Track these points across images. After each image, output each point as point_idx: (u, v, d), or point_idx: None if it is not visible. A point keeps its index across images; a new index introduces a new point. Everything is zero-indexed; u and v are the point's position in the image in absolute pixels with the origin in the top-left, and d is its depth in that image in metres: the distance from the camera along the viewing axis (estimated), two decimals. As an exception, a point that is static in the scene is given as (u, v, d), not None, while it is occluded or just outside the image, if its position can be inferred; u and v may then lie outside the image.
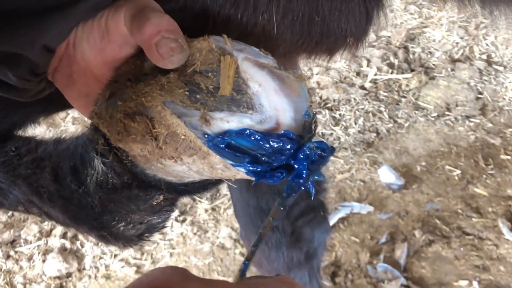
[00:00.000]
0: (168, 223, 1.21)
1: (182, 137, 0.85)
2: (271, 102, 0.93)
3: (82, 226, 1.21)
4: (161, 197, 1.03)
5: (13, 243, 3.09)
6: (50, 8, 0.87)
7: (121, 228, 1.14)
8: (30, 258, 3.02)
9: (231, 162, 0.86)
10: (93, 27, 0.94)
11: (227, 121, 0.88)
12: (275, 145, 0.89)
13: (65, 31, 0.93)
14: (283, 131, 0.91)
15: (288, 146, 0.90)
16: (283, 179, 0.91)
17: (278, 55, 1.11)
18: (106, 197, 1.05)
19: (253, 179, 0.88)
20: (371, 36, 4.26)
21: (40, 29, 0.88)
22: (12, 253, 3.04)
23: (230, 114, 0.89)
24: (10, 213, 3.16)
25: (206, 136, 0.86)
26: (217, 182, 1.03)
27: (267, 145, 0.89)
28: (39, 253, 3.02)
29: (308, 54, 1.21)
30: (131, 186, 0.99)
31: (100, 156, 0.96)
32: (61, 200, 1.18)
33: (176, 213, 3.16)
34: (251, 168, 0.87)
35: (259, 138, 0.89)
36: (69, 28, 0.93)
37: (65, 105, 1.07)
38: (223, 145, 0.86)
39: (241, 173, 0.88)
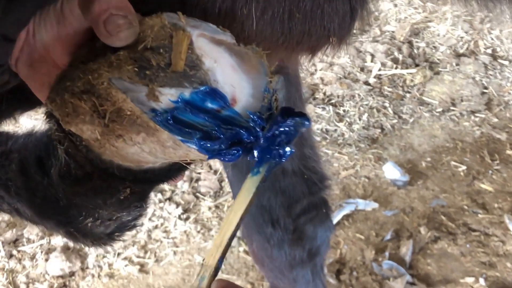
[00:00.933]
0: (140, 222, 1.18)
1: (128, 112, 0.82)
2: (227, 78, 0.91)
3: (48, 221, 1.17)
4: (128, 190, 1.01)
5: (15, 242, 3.09)
6: None
7: (89, 225, 1.11)
8: (33, 257, 3.01)
9: (180, 138, 0.84)
10: (49, 12, 0.92)
11: (177, 97, 0.86)
12: (227, 119, 0.88)
13: (22, 19, 0.92)
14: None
15: (243, 124, 0.88)
16: (239, 157, 0.88)
17: None
18: (69, 189, 1.03)
19: (206, 156, 0.86)
20: (375, 31, 4.24)
21: None
22: (14, 252, 3.03)
23: (182, 89, 0.86)
24: (13, 212, 3.15)
25: (153, 111, 0.83)
26: (179, 169, 1.01)
27: (218, 120, 0.87)
28: (42, 252, 3.01)
29: (289, 53, 1.18)
30: (92, 177, 0.97)
31: (58, 144, 0.94)
32: (27, 193, 1.15)
33: (179, 211, 3.15)
34: (202, 144, 0.85)
35: (210, 108, 0.87)
36: (26, 16, 0.92)
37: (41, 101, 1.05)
38: (171, 121, 0.84)
39: (193, 150, 0.85)
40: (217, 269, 0.89)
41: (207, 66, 0.90)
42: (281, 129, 0.92)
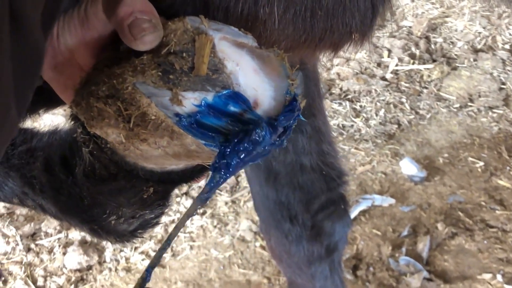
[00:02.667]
0: (162, 219, 1.19)
1: (153, 117, 0.83)
2: (249, 81, 0.91)
3: (73, 218, 1.19)
4: (151, 189, 1.02)
5: (33, 236, 3.10)
6: None
7: (112, 222, 1.12)
8: (50, 251, 3.02)
9: (204, 142, 0.85)
10: (73, 16, 0.93)
11: (200, 101, 0.86)
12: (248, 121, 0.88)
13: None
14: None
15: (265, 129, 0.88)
16: (255, 159, 0.89)
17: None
18: (94, 188, 1.04)
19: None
20: (392, 26, 4.22)
21: None
22: (32, 246, 3.05)
23: (205, 93, 0.87)
24: (31, 206, 3.16)
25: (177, 115, 0.84)
26: (201, 170, 1.01)
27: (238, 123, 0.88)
28: (59, 246, 3.03)
29: (311, 51, 1.18)
30: (117, 177, 0.98)
31: (83, 145, 0.95)
32: (52, 191, 1.16)
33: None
34: (225, 146, 0.86)
35: (232, 111, 0.88)
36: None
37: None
38: (195, 125, 0.85)
39: (215, 153, 0.86)
40: (143, 279, 0.89)
41: (229, 69, 0.90)
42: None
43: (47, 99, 1.10)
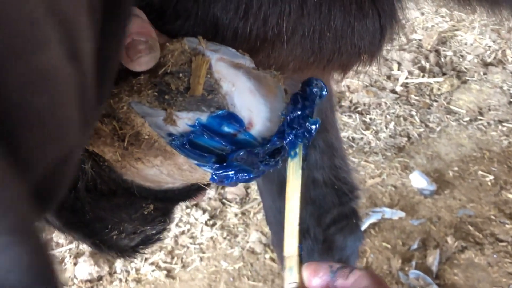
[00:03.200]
0: (164, 235, 1.20)
1: (146, 136, 0.85)
2: (244, 102, 0.92)
3: (75, 232, 1.20)
4: (151, 206, 1.03)
5: (44, 246, 3.11)
6: None
7: (114, 237, 1.13)
8: (61, 261, 3.03)
9: (196, 162, 0.87)
10: None
11: (194, 121, 0.88)
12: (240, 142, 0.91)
13: None
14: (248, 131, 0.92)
15: (259, 150, 0.92)
16: (248, 179, 0.91)
17: (288, 72, 1.09)
18: (95, 203, 1.05)
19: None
20: (402, 39, 4.23)
21: None
22: (43, 256, 3.06)
23: (199, 114, 0.88)
24: (41, 216, 3.18)
25: (170, 135, 0.86)
26: (198, 189, 1.02)
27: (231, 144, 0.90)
28: (70, 256, 3.04)
29: (320, 71, 1.19)
30: (117, 193, 0.99)
31: (83, 162, 0.96)
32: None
33: (206, 217, 3.16)
34: (217, 167, 0.88)
35: (226, 132, 0.89)
36: None
37: None
38: (187, 145, 0.86)
39: (208, 173, 0.88)
40: (300, 256, 0.93)
41: (225, 90, 0.91)
42: (298, 112, 0.94)
43: None
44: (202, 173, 0.89)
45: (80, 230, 1.19)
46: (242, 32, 1.03)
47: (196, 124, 0.87)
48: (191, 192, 1.03)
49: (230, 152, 0.89)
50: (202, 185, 0.98)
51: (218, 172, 0.88)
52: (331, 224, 1.89)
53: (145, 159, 0.87)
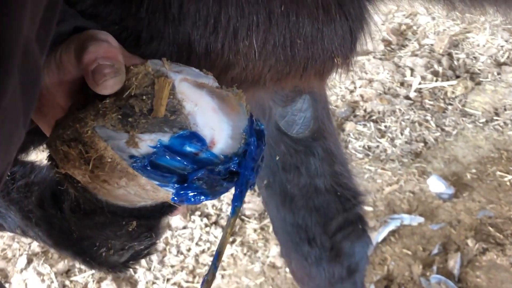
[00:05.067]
0: (154, 250, 1.21)
1: (109, 159, 0.87)
2: (207, 121, 0.94)
3: (66, 251, 1.23)
4: (134, 223, 1.04)
5: (68, 272, 3.14)
6: None
7: (103, 254, 1.15)
8: (85, 287, 3.06)
9: (157, 182, 0.88)
10: (51, 61, 0.97)
11: (155, 142, 0.89)
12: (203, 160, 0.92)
13: None
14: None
15: (220, 167, 0.93)
16: (202, 201, 0.93)
17: (268, 84, 1.11)
18: (80, 222, 1.07)
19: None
20: (414, 45, 4.22)
21: None
22: (67, 282, 3.09)
23: (161, 135, 0.90)
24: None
25: (132, 157, 0.87)
26: (171, 206, 1.04)
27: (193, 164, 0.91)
28: (93, 281, 3.06)
29: (297, 81, 1.20)
30: (98, 212, 1.01)
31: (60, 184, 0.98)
32: (46, 225, 1.21)
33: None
34: (178, 188, 0.89)
35: (188, 151, 0.91)
36: None
37: None
38: (149, 166, 0.88)
39: (170, 194, 0.90)
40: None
41: (187, 110, 0.93)
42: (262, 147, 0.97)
43: (35, 136, 1.14)
44: (165, 193, 0.90)
45: (69, 249, 1.22)
46: (214, 47, 1.06)
47: (158, 145, 0.89)
48: (165, 208, 1.03)
49: (191, 171, 0.90)
50: (172, 203, 0.99)
51: (179, 193, 0.90)
52: (337, 231, 1.88)
53: (111, 180, 0.89)
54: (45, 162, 1.32)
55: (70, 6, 1.02)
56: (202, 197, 0.91)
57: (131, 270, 1.24)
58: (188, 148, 0.91)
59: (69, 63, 0.95)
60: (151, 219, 1.06)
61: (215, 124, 0.94)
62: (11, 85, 0.65)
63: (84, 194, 0.96)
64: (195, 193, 0.90)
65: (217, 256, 0.99)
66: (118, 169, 0.87)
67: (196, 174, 0.90)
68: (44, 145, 1.00)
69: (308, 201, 1.83)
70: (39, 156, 1.34)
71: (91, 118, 0.89)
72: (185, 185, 0.90)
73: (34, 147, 1.28)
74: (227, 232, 0.97)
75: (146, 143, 0.89)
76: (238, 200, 0.96)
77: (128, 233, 1.08)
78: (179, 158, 0.90)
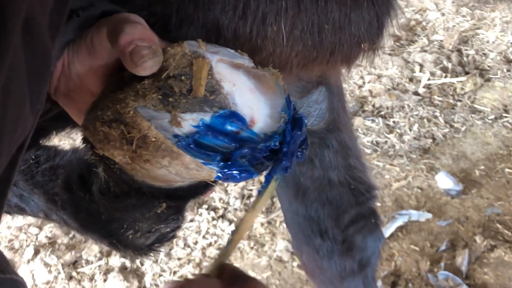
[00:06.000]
0: (178, 233, 1.22)
1: (153, 139, 0.88)
2: (245, 101, 0.95)
3: (93, 233, 1.24)
4: (164, 205, 1.05)
5: (75, 264, 3.14)
6: None
7: (130, 237, 1.16)
8: (92, 278, 3.06)
9: (202, 161, 0.89)
10: (81, 45, 0.98)
11: (198, 121, 0.91)
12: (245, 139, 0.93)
13: (56, 52, 0.97)
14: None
15: (261, 146, 0.94)
16: (246, 179, 0.94)
17: (294, 70, 1.11)
18: (109, 205, 1.08)
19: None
20: (423, 41, 4.21)
21: None
22: (74, 274, 3.09)
23: (202, 114, 0.91)
24: (71, 234, 3.22)
25: (176, 136, 0.89)
26: (206, 186, 1.05)
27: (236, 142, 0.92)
28: (100, 272, 3.06)
29: (324, 66, 1.20)
30: (130, 194, 1.01)
31: (94, 166, 0.99)
32: (72, 208, 1.21)
33: (232, 227, 3.17)
34: (222, 165, 0.90)
35: (229, 130, 0.92)
36: (58, 49, 0.97)
37: None
38: (193, 145, 0.89)
39: (215, 171, 0.91)
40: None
41: (226, 90, 0.95)
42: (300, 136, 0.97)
43: (58, 120, 1.15)
44: (209, 172, 0.91)
45: (97, 231, 1.23)
46: (242, 32, 1.06)
47: (200, 125, 0.90)
48: (200, 189, 1.05)
49: (234, 150, 0.91)
50: (209, 182, 1.00)
51: (223, 171, 0.91)
52: (350, 224, 1.87)
53: (154, 160, 0.90)
54: (68, 146, 1.33)
55: None
56: (246, 174, 0.92)
57: (151, 255, 1.24)
58: (229, 127, 0.92)
59: (101, 47, 0.96)
60: (184, 200, 1.07)
61: (253, 103, 0.95)
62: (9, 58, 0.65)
63: (120, 176, 0.97)
64: (239, 170, 0.92)
65: (236, 231, 0.99)
66: (162, 148, 0.88)
67: (240, 152, 0.91)
68: (66, 130, 1.00)
69: (321, 194, 1.82)
70: (61, 141, 1.34)
71: (131, 98, 0.90)
72: (229, 163, 0.91)
73: (57, 132, 1.28)
74: (255, 207, 0.98)
75: (189, 122, 0.90)
76: (276, 172, 0.97)
77: (156, 215, 1.09)
78: (221, 137, 0.91)
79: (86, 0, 1.00)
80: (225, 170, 0.91)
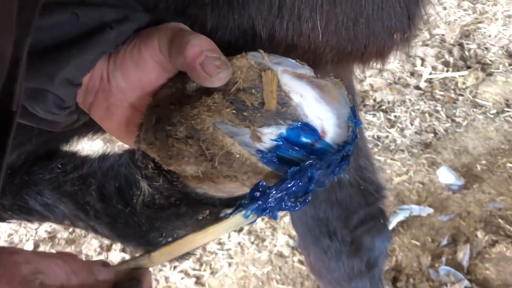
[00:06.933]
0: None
1: (237, 155, 0.87)
2: (314, 112, 0.94)
3: (129, 243, 1.23)
4: (207, 211, 1.05)
5: (74, 258, 3.13)
6: (65, 43, 0.92)
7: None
8: (91, 272, 3.04)
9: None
10: (125, 58, 0.97)
11: (276, 135, 0.90)
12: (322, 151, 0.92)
13: (85, 63, 0.95)
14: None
15: (335, 156, 0.92)
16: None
17: (328, 66, 1.10)
18: (153, 215, 1.08)
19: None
20: (424, 35, 4.20)
21: (57, 64, 0.92)
22: (73, 267, 3.07)
23: (278, 127, 0.90)
24: (71, 229, 3.21)
25: (259, 152, 0.88)
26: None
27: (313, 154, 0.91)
28: (100, 267, 3.05)
29: (359, 61, 1.20)
30: (179, 205, 1.01)
31: (147, 179, 0.98)
32: (108, 219, 1.22)
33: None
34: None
35: (305, 142, 0.91)
36: (88, 61, 0.96)
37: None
38: (276, 159, 0.88)
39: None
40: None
41: (295, 101, 0.94)
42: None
43: (83, 127, 1.14)
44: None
45: (134, 241, 1.23)
46: (278, 30, 1.05)
47: (279, 138, 0.90)
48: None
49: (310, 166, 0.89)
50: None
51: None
52: (359, 225, 1.87)
53: (233, 176, 0.89)
54: (94, 154, 1.32)
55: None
56: (319, 185, 0.92)
57: (186, 258, 1.26)
58: (305, 139, 0.92)
59: (152, 59, 0.95)
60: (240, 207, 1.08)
61: (321, 114, 0.94)
62: None
63: (182, 189, 0.97)
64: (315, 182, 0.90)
65: None
66: (246, 164, 0.87)
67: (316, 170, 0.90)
68: (89, 136, 1.00)
69: (331, 194, 1.81)
70: (83, 147, 1.33)
71: (206, 114, 0.89)
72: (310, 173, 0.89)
73: (79, 138, 1.27)
74: None
75: (268, 136, 0.89)
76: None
77: (196, 222, 1.10)
78: (298, 149, 0.90)
79: (120, 12, 0.98)
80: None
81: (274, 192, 0.89)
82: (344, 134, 0.95)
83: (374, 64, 1.26)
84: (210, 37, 0.95)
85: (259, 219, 2.70)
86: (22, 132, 1.10)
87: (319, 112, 0.94)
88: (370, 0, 1.08)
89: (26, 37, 0.70)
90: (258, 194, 0.89)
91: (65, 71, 0.93)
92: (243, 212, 0.90)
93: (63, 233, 3.18)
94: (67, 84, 0.96)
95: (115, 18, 0.97)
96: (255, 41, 1.04)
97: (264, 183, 0.88)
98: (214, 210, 1.06)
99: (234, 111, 0.89)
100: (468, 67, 3.95)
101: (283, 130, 0.90)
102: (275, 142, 0.89)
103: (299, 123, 0.92)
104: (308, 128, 0.92)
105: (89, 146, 2.60)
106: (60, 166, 1.30)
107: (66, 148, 1.34)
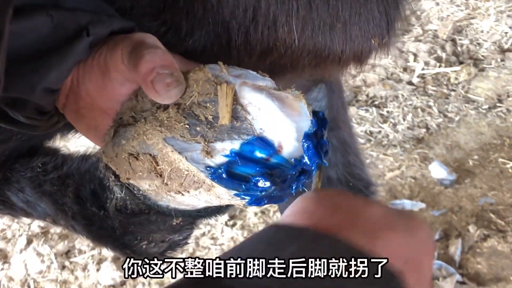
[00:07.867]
0: (190, 240, 1.23)
1: (186, 172, 0.86)
2: (271, 125, 0.91)
3: (105, 245, 1.24)
4: (180, 218, 1.05)
5: (67, 253, 3.14)
6: (45, 52, 0.92)
7: (144, 247, 1.17)
8: (84, 268, 3.05)
9: (235, 192, 0.87)
10: (93, 65, 0.97)
11: (229, 151, 0.88)
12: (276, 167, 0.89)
13: (63, 72, 0.96)
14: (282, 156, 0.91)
15: (291, 171, 0.90)
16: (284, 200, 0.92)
17: (305, 70, 1.10)
18: (126, 220, 1.08)
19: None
20: (417, 30, 4.20)
21: (38, 74, 0.92)
22: (67, 263, 3.08)
23: (231, 142, 0.88)
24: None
25: (208, 168, 0.86)
26: (228, 206, 1.03)
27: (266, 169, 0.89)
28: (93, 262, 3.06)
29: (336, 65, 1.19)
30: (149, 213, 1.01)
31: (115, 191, 0.98)
32: (84, 221, 1.22)
33: (226, 217, 3.16)
34: (253, 196, 0.88)
35: (259, 158, 0.89)
36: (67, 69, 0.96)
37: None
38: (226, 175, 0.86)
39: (246, 199, 0.89)
40: None
41: (251, 115, 0.91)
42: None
43: (65, 125, 1.14)
44: (240, 200, 0.90)
45: (110, 243, 1.24)
46: (253, 35, 1.05)
47: (231, 154, 0.88)
48: (223, 208, 1.05)
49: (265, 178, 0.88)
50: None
51: (253, 200, 0.89)
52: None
53: (185, 191, 0.89)
54: (75, 153, 1.32)
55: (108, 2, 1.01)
56: (275, 202, 0.91)
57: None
58: (259, 154, 0.89)
59: (115, 69, 0.94)
60: (206, 218, 1.07)
61: (279, 127, 0.90)
62: None
63: (143, 201, 0.96)
64: (268, 200, 0.89)
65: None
66: (195, 180, 0.86)
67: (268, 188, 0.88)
68: (72, 133, 1.00)
69: None
70: (63, 143, 1.34)
71: (158, 129, 0.88)
72: (259, 191, 0.88)
73: (62, 135, 1.28)
74: None
75: (219, 152, 0.87)
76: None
77: (171, 227, 1.09)
78: (251, 165, 0.88)
79: (95, 15, 0.98)
80: (256, 199, 0.89)
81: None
82: (301, 148, 0.91)
83: (353, 68, 1.25)
84: (185, 41, 0.95)
85: (252, 213, 2.71)
86: (5, 129, 1.10)
87: (277, 125, 0.90)
88: (347, 5, 1.07)
89: (8, 8, 0.69)
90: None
91: (45, 82, 0.94)
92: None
93: (56, 228, 3.18)
94: (47, 93, 0.96)
95: (90, 20, 0.96)
96: (230, 45, 1.04)
97: None
98: (187, 218, 1.06)
99: (187, 126, 0.88)
100: (461, 63, 3.96)
101: (236, 145, 0.88)
102: (227, 158, 0.87)
103: (254, 137, 0.88)
104: (263, 143, 0.89)
105: (74, 143, 2.60)
106: (40, 165, 1.30)
107: (50, 144, 1.34)
